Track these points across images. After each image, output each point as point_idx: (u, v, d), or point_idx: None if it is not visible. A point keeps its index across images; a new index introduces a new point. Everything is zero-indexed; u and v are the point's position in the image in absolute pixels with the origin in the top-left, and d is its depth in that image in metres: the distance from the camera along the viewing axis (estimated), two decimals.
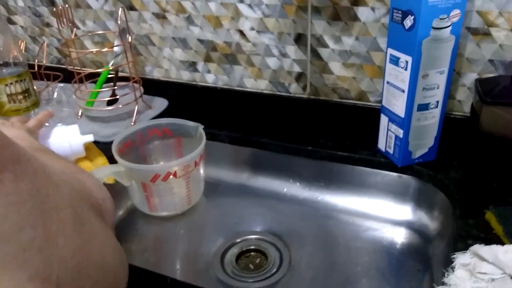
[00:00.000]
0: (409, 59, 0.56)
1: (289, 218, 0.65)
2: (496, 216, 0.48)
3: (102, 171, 0.58)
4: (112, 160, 0.61)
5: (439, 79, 0.58)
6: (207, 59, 0.84)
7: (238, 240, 0.62)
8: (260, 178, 0.73)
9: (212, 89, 0.85)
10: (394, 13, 0.57)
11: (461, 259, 0.40)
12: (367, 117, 0.67)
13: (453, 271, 0.40)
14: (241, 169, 0.75)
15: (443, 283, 0.39)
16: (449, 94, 0.62)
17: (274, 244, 0.61)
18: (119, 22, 0.71)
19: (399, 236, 0.61)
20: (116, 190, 0.61)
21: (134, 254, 0.61)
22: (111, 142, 0.61)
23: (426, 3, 0.52)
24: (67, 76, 0.82)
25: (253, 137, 0.75)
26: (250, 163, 0.75)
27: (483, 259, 0.39)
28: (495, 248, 0.40)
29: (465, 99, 0.67)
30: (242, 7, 0.75)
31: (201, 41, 0.83)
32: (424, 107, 0.59)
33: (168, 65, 0.89)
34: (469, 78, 0.65)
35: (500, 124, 0.57)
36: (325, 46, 0.72)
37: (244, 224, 0.65)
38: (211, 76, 0.85)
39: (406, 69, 0.57)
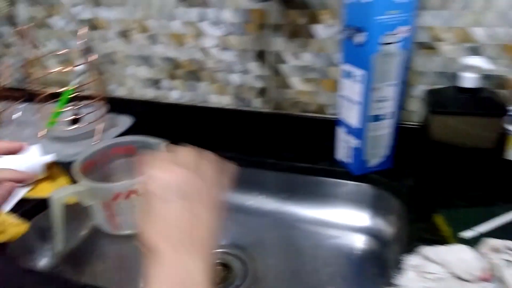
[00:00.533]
0: (362, 73, 0.59)
1: (254, 231, 0.66)
2: (444, 218, 0.51)
3: (63, 191, 0.58)
4: (75, 180, 0.61)
5: (391, 91, 0.61)
6: (171, 76, 0.85)
7: None
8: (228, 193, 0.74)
9: (177, 105, 0.86)
10: (346, 30, 0.60)
11: (410, 260, 0.42)
12: (326, 129, 0.69)
13: (403, 272, 0.42)
14: None
15: (393, 285, 0.41)
16: (402, 105, 0.66)
17: (239, 256, 0.62)
18: (82, 41, 0.72)
19: (359, 242, 0.63)
20: (77, 210, 0.61)
21: (98, 274, 0.61)
22: (75, 162, 0.61)
23: (375, 20, 0.55)
24: (30, 96, 0.82)
25: (217, 152, 0.75)
26: None
27: (430, 259, 0.41)
28: (442, 249, 0.42)
29: (417, 109, 0.70)
30: (205, 26, 0.77)
31: (165, 58, 0.84)
32: (377, 118, 0.62)
33: (132, 83, 0.89)
34: (420, 89, 0.68)
35: (449, 132, 0.60)
36: (285, 62, 0.75)
37: None
38: (175, 93, 0.86)
39: (359, 83, 0.60)
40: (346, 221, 0.66)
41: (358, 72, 0.59)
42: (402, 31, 0.57)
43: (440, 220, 0.51)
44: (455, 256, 0.40)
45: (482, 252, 0.41)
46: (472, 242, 0.44)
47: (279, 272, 0.60)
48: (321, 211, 0.67)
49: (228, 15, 0.75)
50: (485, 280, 0.37)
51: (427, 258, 0.41)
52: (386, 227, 0.62)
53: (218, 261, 0.62)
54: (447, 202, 0.55)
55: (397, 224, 0.60)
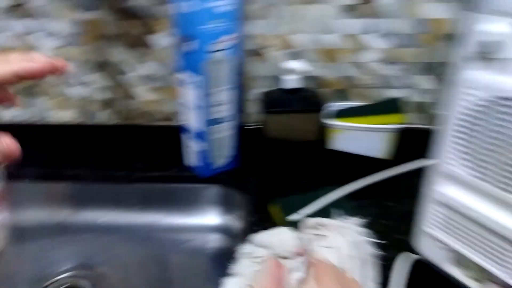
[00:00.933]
0: (197, 79, 0.62)
1: (107, 248, 0.64)
2: (279, 206, 0.56)
3: None
4: None
5: (227, 95, 0.65)
6: None
7: (49, 284, 0.58)
8: (78, 212, 0.71)
9: (13, 125, 0.78)
10: (178, 39, 0.62)
11: (244, 249, 0.46)
12: (174, 136, 0.71)
13: (238, 261, 0.45)
14: (57, 206, 0.71)
15: (229, 274, 0.44)
16: (241, 108, 0.71)
17: (90, 277, 0.59)
18: None
19: (213, 241, 0.66)
20: None
21: None
22: None
23: (201, 29, 0.58)
24: None
25: (65, 170, 0.72)
26: (66, 198, 0.71)
27: (259, 245, 0.46)
28: (268, 233, 0.46)
29: (255, 111, 0.76)
30: (39, 37, 0.72)
31: None
32: (218, 121, 0.66)
33: None
34: (255, 92, 0.74)
35: (281, 130, 0.67)
36: (128, 72, 0.74)
37: (57, 264, 0.61)
38: (9, 112, 0.79)
39: (196, 89, 0.63)
40: (199, 223, 0.68)
41: (193, 78, 0.62)
42: (228, 39, 0.62)
43: (274, 209, 0.56)
44: (277, 237, 0.44)
45: (300, 230, 0.46)
46: (296, 224, 0.50)
47: (135, 285, 0.59)
48: (174, 217, 0.69)
49: (61, 26, 0.71)
50: (300, 254, 0.43)
51: (256, 244, 0.45)
52: (235, 222, 0.66)
53: (67, 285, 0.58)
54: (283, 192, 0.61)
55: (244, 218, 0.64)
